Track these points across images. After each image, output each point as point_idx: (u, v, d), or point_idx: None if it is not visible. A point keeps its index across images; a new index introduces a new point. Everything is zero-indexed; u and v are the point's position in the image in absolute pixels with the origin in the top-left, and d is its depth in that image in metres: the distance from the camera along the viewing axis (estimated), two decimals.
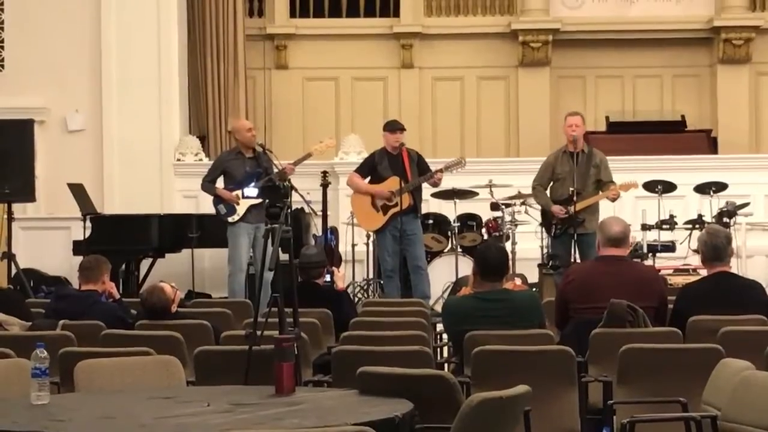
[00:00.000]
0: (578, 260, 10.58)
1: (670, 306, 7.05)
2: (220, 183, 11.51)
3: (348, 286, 11.91)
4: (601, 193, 10.94)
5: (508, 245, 11.92)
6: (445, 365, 7.32)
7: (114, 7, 14.62)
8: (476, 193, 12.73)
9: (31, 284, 12.24)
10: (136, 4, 14.63)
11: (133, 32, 14.61)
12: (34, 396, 4.57)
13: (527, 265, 12.16)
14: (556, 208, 10.81)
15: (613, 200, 11.12)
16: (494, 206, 12.64)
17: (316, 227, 12.75)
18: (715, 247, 6.93)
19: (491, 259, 6.76)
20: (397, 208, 11.06)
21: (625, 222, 7.28)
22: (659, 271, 11.67)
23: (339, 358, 5.91)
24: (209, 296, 12.67)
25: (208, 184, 11.49)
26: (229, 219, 11.29)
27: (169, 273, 12.58)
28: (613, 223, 7.19)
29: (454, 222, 12.60)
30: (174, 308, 7.41)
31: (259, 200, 10.82)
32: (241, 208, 11.26)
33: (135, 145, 14.54)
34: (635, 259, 11.42)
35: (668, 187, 12.51)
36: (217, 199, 11.41)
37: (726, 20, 17.01)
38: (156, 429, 4.21)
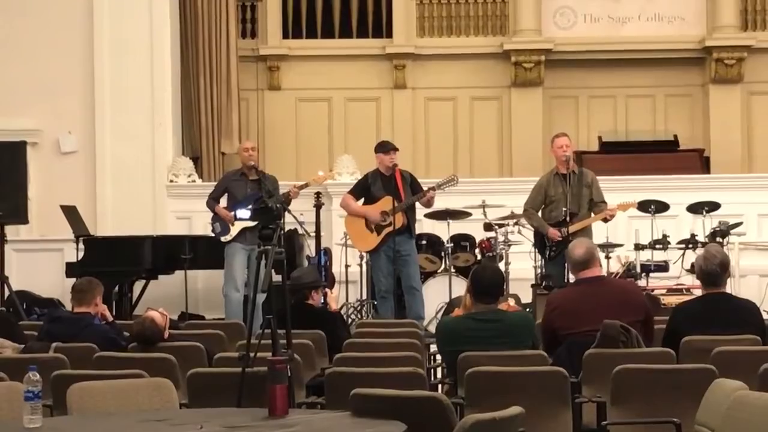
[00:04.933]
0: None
1: (657, 319, 7.05)
2: (223, 201, 11.66)
3: (341, 307, 11.90)
4: (594, 214, 10.93)
5: (501, 265, 11.93)
6: (439, 386, 7.31)
7: (107, 29, 14.62)
8: (469, 214, 12.72)
9: (24, 306, 12.19)
10: (128, 25, 14.64)
11: (125, 53, 14.62)
12: (26, 419, 4.54)
13: (521, 286, 12.16)
14: (553, 232, 10.79)
15: (607, 221, 11.11)
16: (487, 227, 12.64)
17: (310, 248, 12.75)
18: (710, 274, 6.93)
19: (486, 280, 6.76)
20: (391, 228, 11.08)
21: (588, 242, 7.32)
22: (652, 290, 11.70)
23: (332, 380, 5.91)
24: (202, 318, 12.65)
25: (211, 201, 11.74)
26: (222, 238, 11.46)
27: (162, 295, 12.58)
28: (575, 247, 7.19)
29: (447, 242, 12.57)
30: (166, 334, 7.39)
31: (254, 223, 10.92)
32: (235, 229, 11.41)
33: (128, 166, 14.53)
34: (629, 279, 11.46)
35: (661, 206, 12.49)
36: (215, 217, 11.59)
37: (718, 40, 17.06)
38: None
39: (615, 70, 17.44)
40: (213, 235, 11.73)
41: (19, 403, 4.77)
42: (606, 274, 7.44)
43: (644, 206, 12.39)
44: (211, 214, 11.77)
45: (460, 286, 11.56)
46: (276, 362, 4.88)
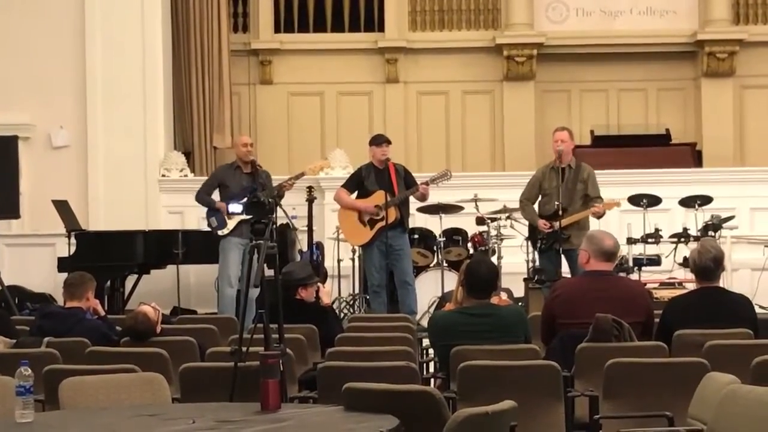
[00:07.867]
0: (568, 275, 10.58)
1: (657, 320, 7.05)
2: (215, 195, 11.57)
3: (334, 302, 11.89)
4: (585, 210, 10.94)
5: (493, 259, 11.93)
6: (432, 381, 7.31)
7: (99, 23, 14.61)
8: (462, 208, 12.72)
9: (16, 301, 12.19)
10: (120, 19, 14.63)
11: (117, 48, 14.60)
12: (18, 414, 4.54)
13: (513, 280, 12.16)
14: (541, 223, 10.81)
15: (598, 217, 11.11)
16: (480, 221, 12.64)
17: (301, 243, 12.73)
18: (704, 268, 6.93)
19: (482, 275, 6.73)
20: (384, 223, 11.06)
21: (614, 236, 7.28)
22: (645, 284, 11.70)
23: (325, 374, 5.91)
24: (195, 312, 12.64)
25: (204, 196, 11.55)
26: (219, 232, 11.38)
27: (154, 289, 12.57)
28: (605, 237, 7.14)
29: (439, 237, 12.58)
30: (159, 328, 7.38)
31: (249, 216, 10.84)
32: (232, 223, 11.33)
33: (120, 161, 14.51)
34: (621, 273, 11.44)
35: (653, 200, 12.51)
36: (211, 211, 11.48)
37: (710, 34, 17.07)
38: None
39: (607, 64, 17.45)
40: (210, 229, 11.62)
41: (11, 398, 4.76)
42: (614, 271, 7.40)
43: (636, 200, 12.41)
44: (205, 209, 11.70)
45: (452, 281, 11.54)
46: (268, 357, 4.88)
